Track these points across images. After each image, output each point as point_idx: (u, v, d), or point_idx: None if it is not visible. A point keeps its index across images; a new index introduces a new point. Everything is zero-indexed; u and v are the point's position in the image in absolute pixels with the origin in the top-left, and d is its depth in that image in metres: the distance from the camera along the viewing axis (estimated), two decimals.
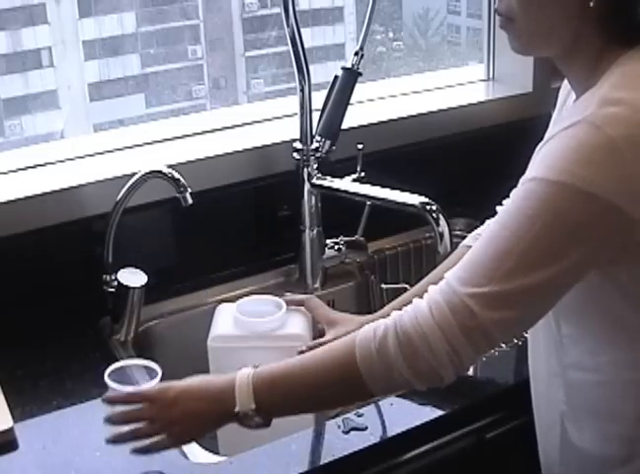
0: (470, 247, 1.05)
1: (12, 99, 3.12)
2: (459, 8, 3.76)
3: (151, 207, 1.58)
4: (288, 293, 1.49)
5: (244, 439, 1.12)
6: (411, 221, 1.60)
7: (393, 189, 1.51)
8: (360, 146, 1.62)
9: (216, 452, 1.26)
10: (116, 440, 1.07)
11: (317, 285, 1.67)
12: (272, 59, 3.45)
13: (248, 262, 1.68)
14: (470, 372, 1.38)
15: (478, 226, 1.36)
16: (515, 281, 0.93)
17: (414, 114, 1.87)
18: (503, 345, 1.34)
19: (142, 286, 1.44)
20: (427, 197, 1.45)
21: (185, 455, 1.18)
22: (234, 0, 3.50)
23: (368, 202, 1.59)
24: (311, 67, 1.54)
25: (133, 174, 1.45)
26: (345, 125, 1.62)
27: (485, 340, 0.96)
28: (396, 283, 1.71)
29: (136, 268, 1.45)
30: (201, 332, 1.38)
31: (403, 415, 1.23)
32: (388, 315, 1.03)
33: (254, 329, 1.36)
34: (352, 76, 1.60)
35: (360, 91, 1.70)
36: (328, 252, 1.66)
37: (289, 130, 1.66)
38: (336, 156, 1.63)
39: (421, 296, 1.01)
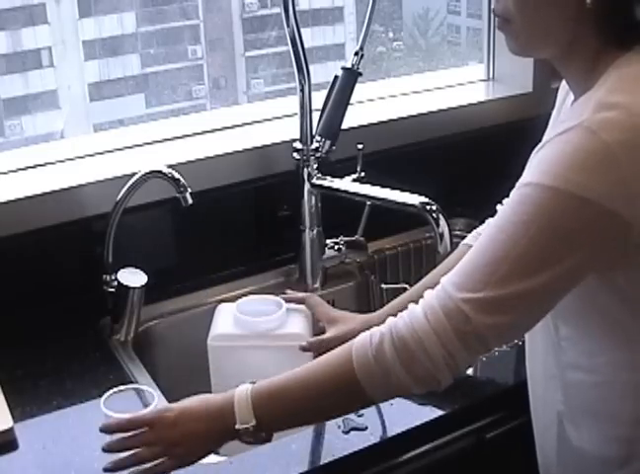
0: (471, 246, 1.05)
1: (12, 99, 3.12)
2: (459, 8, 3.76)
3: (151, 207, 1.58)
4: (289, 290, 1.49)
5: None
6: (411, 221, 1.60)
7: (393, 189, 1.51)
8: (359, 146, 1.62)
9: (216, 452, 1.25)
10: (116, 468, 1.05)
11: (317, 285, 1.67)
12: (272, 59, 3.45)
13: (248, 262, 1.68)
14: (470, 372, 1.38)
15: (478, 226, 1.36)
16: (510, 287, 0.93)
17: (414, 114, 1.87)
18: (504, 346, 1.34)
19: (142, 286, 1.44)
20: (427, 197, 1.45)
21: None
22: (234, 0, 3.50)
23: (368, 202, 1.59)
24: (311, 67, 1.54)
25: (133, 174, 1.45)
26: (345, 125, 1.62)
27: (480, 344, 0.96)
28: (396, 283, 1.71)
29: (136, 268, 1.45)
30: (202, 332, 1.38)
31: (403, 415, 1.23)
32: (389, 315, 1.03)
33: (254, 328, 1.36)
34: (352, 76, 1.60)
35: (360, 91, 1.70)
36: (328, 252, 1.66)
37: (289, 130, 1.66)
38: (336, 156, 1.63)
39: (417, 300, 1.01)
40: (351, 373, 1.00)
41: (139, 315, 1.47)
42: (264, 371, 1.33)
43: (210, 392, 1.38)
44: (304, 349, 1.32)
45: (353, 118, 1.68)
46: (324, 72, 2.38)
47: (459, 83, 2.08)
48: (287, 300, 1.41)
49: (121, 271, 1.45)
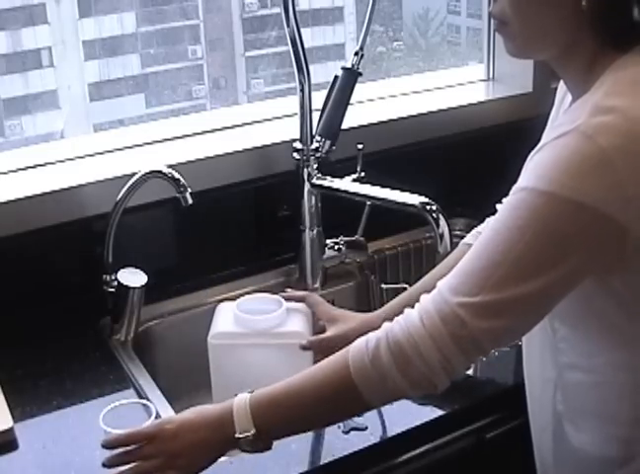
0: (470, 245, 1.05)
1: (12, 99, 3.12)
2: (459, 8, 3.76)
3: (151, 207, 1.58)
4: (289, 289, 1.49)
5: None
6: (411, 221, 1.60)
7: (393, 189, 1.51)
8: (359, 146, 1.62)
9: None
10: None
11: (317, 285, 1.67)
12: (272, 59, 3.46)
13: (248, 262, 1.68)
14: (470, 372, 1.38)
15: (478, 226, 1.36)
16: (506, 291, 0.93)
17: (414, 114, 1.87)
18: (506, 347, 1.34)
19: (142, 286, 1.44)
20: (427, 197, 1.45)
21: None
22: (234, 0, 3.50)
23: (368, 202, 1.59)
24: (311, 67, 1.54)
25: (133, 174, 1.45)
26: (345, 125, 1.62)
27: (476, 348, 0.96)
28: (396, 283, 1.71)
29: (136, 268, 1.45)
30: (202, 332, 1.38)
31: (403, 415, 1.23)
32: (389, 314, 1.03)
33: (254, 326, 1.36)
34: (352, 76, 1.60)
35: (360, 91, 1.70)
36: (328, 252, 1.66)
37: (289, 130, 1.66)
38: (336, 156, 1.63)
39: (417, 301, 1.01)
40: (348, 378, 1.00)
41: (139, 315, 1.47)
42: (264, 369, 1.34)
43: (210, 392, 1.38)
44: (304, 347, 1.32)
45: (353, 118, 1.68)
46: (324, 72, 2.38)
47: (459, 83, 2.08)
48: (288, 299, 1.41)
49: (121, 271, 1.45)
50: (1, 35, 2.97)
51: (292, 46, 1.52)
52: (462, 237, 1.38)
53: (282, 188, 1.67)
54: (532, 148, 1.00)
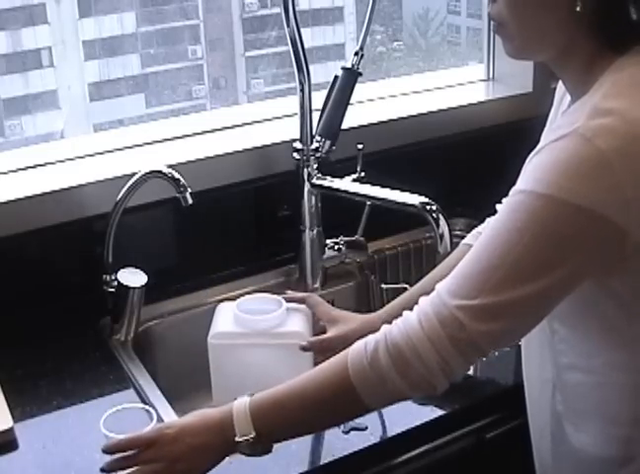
0: (471, 245, 1.05)
1: (12, 99, 3.12)
2: (459, 8, 3.76)
3: (151, 207, 1.58)
4: (289, 291, 1.49)
5: None
6: (411, 221, 1.60)
7: (393, 189, 1.51)
8: (359, 146, 1.62)
9: None
10: None
11: (317, 285, 1.67)
12: (272, 59, 3.46)
13: (248, 262, 1.68)
14: (470, 372, 1.38)
15: (478, 226, 1.36)
16: (504, 294, 0.93)
17: (414, 114, 1.87)
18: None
19: (142, 286, 1.44)
20: (427, 197, 1.45)
21: None
22: (234, 0, 3.51)
23: (368, 202, 1.59)
24: (311, 67, 1.54)
25: (133, 174, 1.45)
26: (345, 125, 1.62)
27: (474, 351, 0.96)
28: (396, 283, 1.71)
29: (136, 268, 1.45)
30: (202, 332, 1.38)
31: (403, 415, 1.23)
32: (389, 315, 1.03)
33: (254, 326, 1.36)
34: (352, 76, 1.60)
35: (360, 91, 1.70)
36: (328, 252, 1.66)
37: (289, 130, 1.66)
38: (336, 156, 1.63)
39: (411, 307, 1.01)
40: (347, 381, 1.00)
41: (139, 315, 1.47)
42: (264, 369, 1.34)
43: (210, 392, 1.39)
44: (304, 348, 1.33)
45: (353, 118, 1.68)
46: (324, 72, 2.38)
47: (459, 83, 2.08)
48: (288, 300, 1.41)
49: (121, 271, 1.45)
50: (1, 35, 2.98)
51: (292, 46, 1.52)
52: (462, 237, 1.38)
53: (282, 188, 1.67)
54: (532, 149, 1.00)
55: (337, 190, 1.58)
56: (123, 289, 1.44)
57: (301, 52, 1.52)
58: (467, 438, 1.28)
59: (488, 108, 1.98)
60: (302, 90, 1.54)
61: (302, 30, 1.51)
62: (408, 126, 1.85)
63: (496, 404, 1.32)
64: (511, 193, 0.97)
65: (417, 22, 3.74)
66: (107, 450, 1.05)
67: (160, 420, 1.18)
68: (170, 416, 1.26)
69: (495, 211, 1.26)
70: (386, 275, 1.78)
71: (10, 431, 1.21)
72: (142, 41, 3.29)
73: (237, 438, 1.02)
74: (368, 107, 1.92)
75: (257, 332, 1.36)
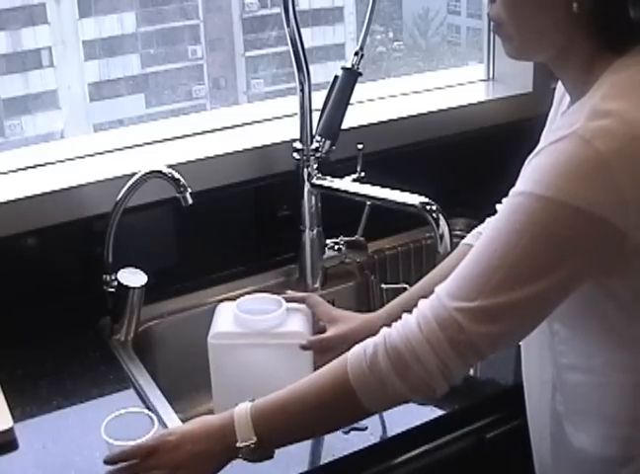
0: (471, 245, 1.05)
1: (12, 99, 3.12)
2: (459, 8, 3.77)
3: (151, 207, 1.58)
4: (289, 291, 1.49)
5: None
6: (411, 221, 1.60)
7: (393, 189, 1.51)
8: (359, 146, 1.62)
9: None
10: None
11: (317, 285, 1.67)
12: (272, 59, 3.46)
13: (248, 262, 1.68)
14: (470, 372, 1.38)
15: (478, 226, 1.36)
16: (503, 296, 0.93)
17: (414, 114, 1.87)
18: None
19: (142, 286, 1.44)
20: (427, 197, 1.45)
21: None
22: (234, 0, 3.51)
23: (368, 202, 1.59)
24: (311, 67, 1.54)
25: (133, 174, 1.45)
26: (345, 125, 1.62)
27: (473, 353, 0.96)
28: (396, 283, 1.71)
29: (136, 268, 1.45)
30: (202, 332, 1.38)
31: (403, 415, 1.23)
32: (389, 314, 1.03)
33: (254, 326, 1.36)
34: (352, 76, 1.60)
35: (360, 91, 1.70)
36: (328, 252, 1.66)
37: (289, 130, 1.66)
38: (336, 156, 1.63)
39: (411, 308, 1.01)
40: (347, 384, 1.00)
41: (139, 315, 1.47)
42: (264, 369, 1.34)
43: (210, 392, 1.38)
44: (304, 347, 1.32)
45: (353, 118, 1.68)
46: (324, 72, 2.38)
47: (459, 83, 2.08)
48: (288, 300, 1.41)
49: (121, 271, 1.45)
50: (1, 35, 2.98)
51: (292, 46, 1.52)
52: (462, 237, 1.38)
53: (282, 188, 1.67)
54: (532, 149, 1.00)
55: (337, 190, 1.58)
56: (123, 289, 1.44)
57: (301, 52, 1.52)
58: (467, 438, 1.28)
59: (488, 108, 1.98)
60: (302, 90, 1.54)
61: (302, 30, 1.51)
62: (408, 126, 1.85)
63: (496, 404, 1.32)
64: (510, 194, 0.97)
65: (417, 22, 3.75)
66: (109, 461, 1.05)
67: (162, 424, 1.18)
68: (170, 416, 1.26)
69: (495, 211, 1.26)
70: (386, 275, 1.78)
71: (10, 431, 1.21)
72: (142, 41, 3.30)
73: (238, 444, 1.02)
74: (368, 107, 1.92)
75: (257, 332, 1.36)
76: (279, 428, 1.04)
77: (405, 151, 1.84)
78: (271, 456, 1.06)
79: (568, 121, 0.94)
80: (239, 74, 3.53)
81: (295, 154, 1.59)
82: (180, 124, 1.83)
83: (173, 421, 1.25)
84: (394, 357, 0.98)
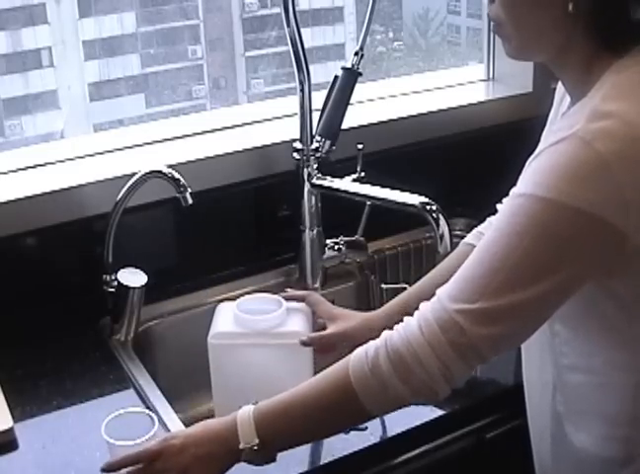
0: (471, 245, 1.05)
1: (12, 99, 3.12)
2: (459, 8, 3.77)
3: (151, 207, 1.58)
4: (289, 289, 1.49)
5: None
6: (411, 221, 1.60)
7: (393, 189, 1.50)
8: (359, 146, 1.62)
9: None
10: None
11: (317, 285, 1.67)
12: (272, 59, 3.46)
13: (248, 262, 1.68)
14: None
15: (478, 226, 1.36)
16: (504, 298, 0.93)
17: (414, 114, 1.87)
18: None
19: (142, 286, 1.44)
20: (427, 197, 1.45)
21: None
22: (234, 0, 3.51)
23: (368, 202, 1.59)
24: (311, 67, 1.54)
25: (133, 174, 1.45)
26: (345, 125, 1.62)
27: (475, 355, 0.96)
28: (396, 283, 1.71)
29: (136, 268, 1.45)
30: (202, 332, 1.38)
31: (403, 415, 1.23)
32: (389, 314, 1.02)
33: (254, 326, 1.36)
34: (352, 76, 1.60)
35: (360, 91, 1.70)
36: (328, 252, 1.66)
37: (289, 130, 1.66)
38: (336, 156, 1.63)
39: (411, 307, 1.01)
40: (349, 388, 1.00)
41: (139, 315, 1.47)
42: (264, 369, 1.34)
43: (210, 392, 1.38)
44: (304, 343, 1.33)
45: (353, 118, 1.68)
46: (324, 72, 2.38)
47: (459, 83, 2.08)
48: (288, 298, 1.41)
49: (121, 271, 1.45)
50: (1, 35, 2.98)
51: (292, 46, 1.52)
52: (462, 237, 1.38)
53: (282, 188, 1.67)
54: (532, 149, 1.00)
55: (337, 190, 1.58)
56: (123, 289, 1.44)
57: (301, 52, 1.52)
58: (467, 438, 1.28)
59: (488, 108, 1.98)
60: (302, 90, 1.54)
61: (302, 30, 1.51)
62: (408, 126, 1.85)
63: (496, 404, 1.32)
64: (510, 196, 0.97)
65: (417, 22, 3.75)
66: (112, 468, 1.04)
67: (162, 424, 1.18)
68: (170, 416, 1.26)
69: (495, 211, 1.26)
70: (386, 274, 1.78)
71: (10, 431, 1.21)
72: (142, 41, 3.30)
73: (241, 446, 1.02)
74: (368, 107, 1.92)
75: (257, 332, 1.36)
76: (281, 430, 1.04)
77: (405, 151, 1.84)
78: (273, 460, 1.06)
79: (568, 123, 0.94)
80: (239, 74, 3.53)
81: (295, 154, 1.59)
82: (180, 124, 1.83)
83: (173, 421, 1.25)
84: (396, 360, 0.98)
